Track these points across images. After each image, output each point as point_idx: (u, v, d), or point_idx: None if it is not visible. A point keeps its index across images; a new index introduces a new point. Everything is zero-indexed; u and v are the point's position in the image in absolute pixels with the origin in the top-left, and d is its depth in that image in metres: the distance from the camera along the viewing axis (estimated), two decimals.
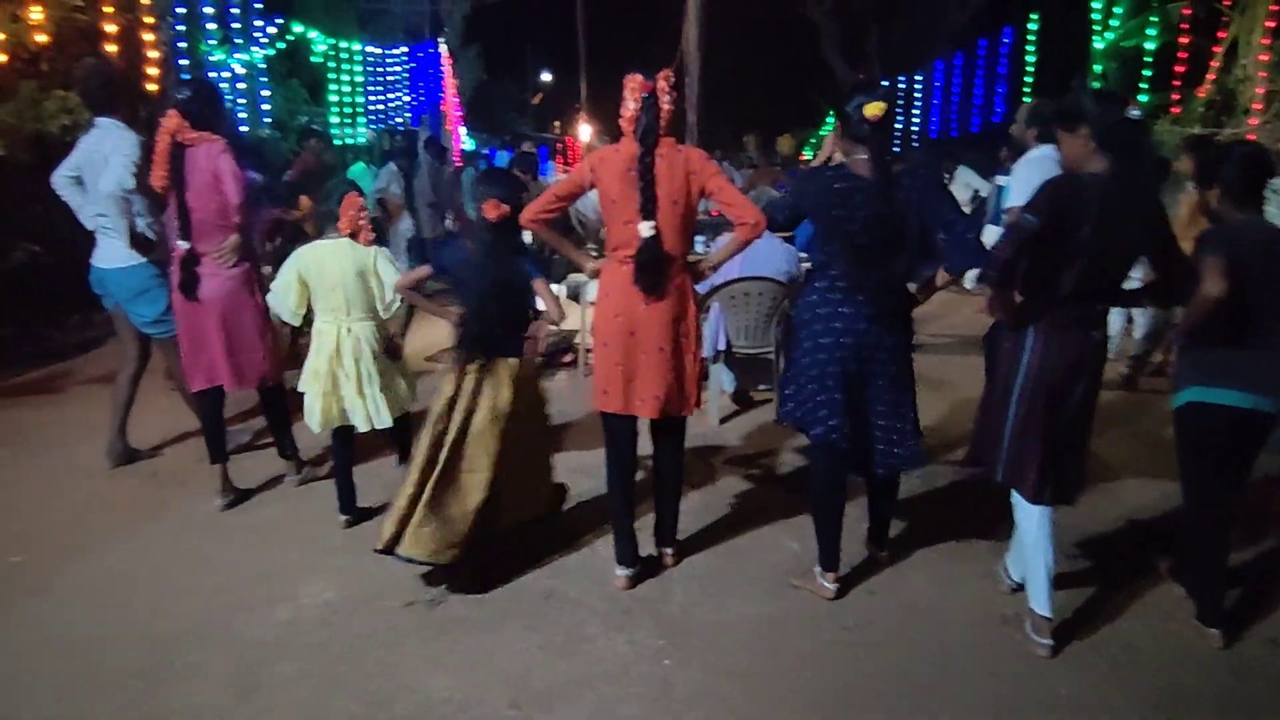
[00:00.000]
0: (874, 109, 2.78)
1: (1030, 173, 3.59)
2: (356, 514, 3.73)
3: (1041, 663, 2.78)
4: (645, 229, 2.91)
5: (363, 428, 3.60)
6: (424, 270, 3.38)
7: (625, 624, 2.99)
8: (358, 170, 10.62)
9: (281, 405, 4.10)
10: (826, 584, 3.14)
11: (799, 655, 2.83)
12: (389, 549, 3.09)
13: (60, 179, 4.02)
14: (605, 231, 3.10)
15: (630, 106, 2.93)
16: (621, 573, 3.21)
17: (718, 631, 2.96)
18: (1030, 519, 2.82)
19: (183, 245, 3.64)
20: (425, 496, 3.08)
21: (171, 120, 3.55)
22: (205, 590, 3.19)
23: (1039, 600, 2.82)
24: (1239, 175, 2.86)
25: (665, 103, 2.92)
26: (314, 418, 3.56)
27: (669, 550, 3.38)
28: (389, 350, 3.66)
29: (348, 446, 3.70)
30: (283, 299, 3.56)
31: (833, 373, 2.93)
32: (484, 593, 3.17)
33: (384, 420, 3.62)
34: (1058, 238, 2.60)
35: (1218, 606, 2.92)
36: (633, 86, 2.92)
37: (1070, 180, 2.67)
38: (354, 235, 3.54)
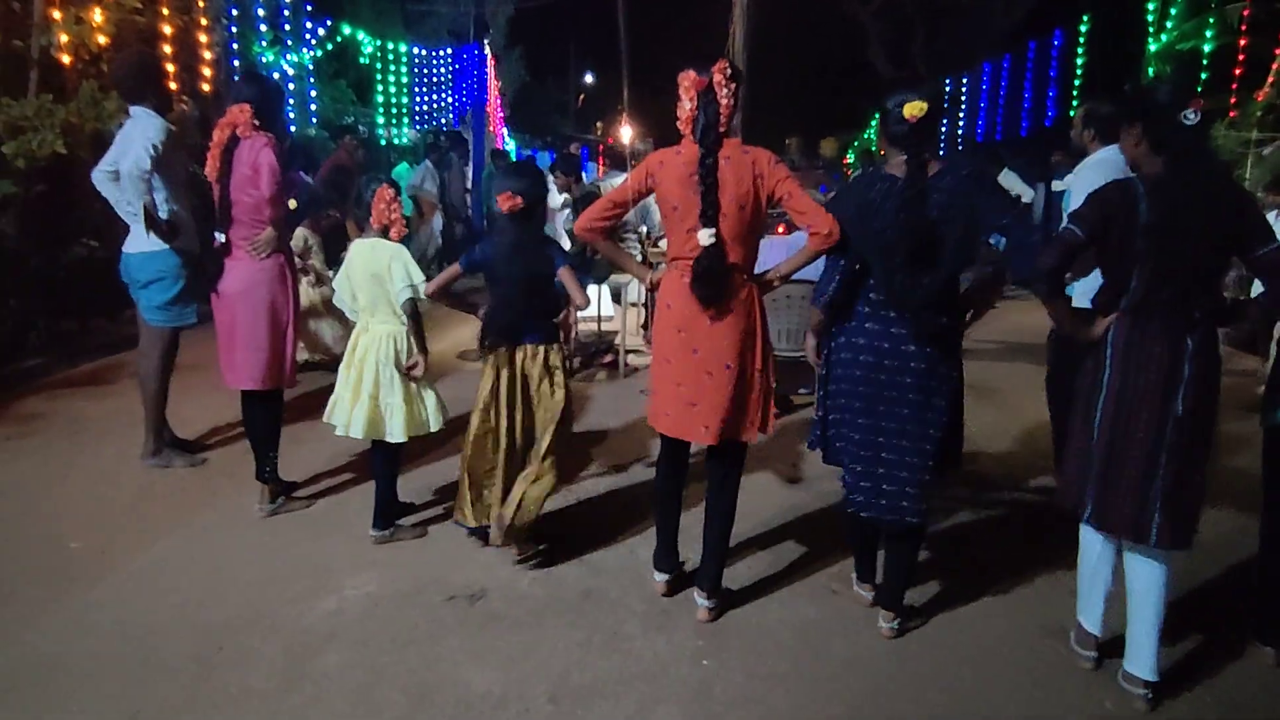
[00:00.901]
0: (913, 108, 2.59)
1: (1092, 177, 3.45)
2: (398, 510, 3.76)
3: (1086, 676, 2.73)
4: (705, 237, 2.71)
5: (355, 434, 3.46)
6: (452, 270, 3.36)
7: (665, 624, 3.00)
8: (401, 170, 10.78)
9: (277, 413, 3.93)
10: (863, 593, 3.13)
11: (839, 660, 2.82)
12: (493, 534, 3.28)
13: (100, 175, 4.04)
14: (665, 238, 2.98)
15: (686, 106, 2.73)
16: (660, 578, 3.19)
17: (757, 634, 2.96)
18: (1096, 541, 2.72)
19: (219, 236, 3.71)
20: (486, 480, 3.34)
21: (244, 114, 3.61)
22: (253, 580, 3.26)
23: (1088, 615, 2.77)
24: None
25: (724, 97, 2.70)
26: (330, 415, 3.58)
27: (707, 604, 3.01)
28: (403, 369, 3.48)
29: (379, 456, 3.61)
30: (343, 296, 3.60)
31: (861, 394, 2.77)
32: (524, 589, 3.21)
33: (367, 430, 3.46)
34: (1113, 246, 2.52)
35: (1273, 624, 2.84)
36: (686, 84, 2.72)
37: (1117, 187, 2.54)
38: (385, 231, 3.45)
